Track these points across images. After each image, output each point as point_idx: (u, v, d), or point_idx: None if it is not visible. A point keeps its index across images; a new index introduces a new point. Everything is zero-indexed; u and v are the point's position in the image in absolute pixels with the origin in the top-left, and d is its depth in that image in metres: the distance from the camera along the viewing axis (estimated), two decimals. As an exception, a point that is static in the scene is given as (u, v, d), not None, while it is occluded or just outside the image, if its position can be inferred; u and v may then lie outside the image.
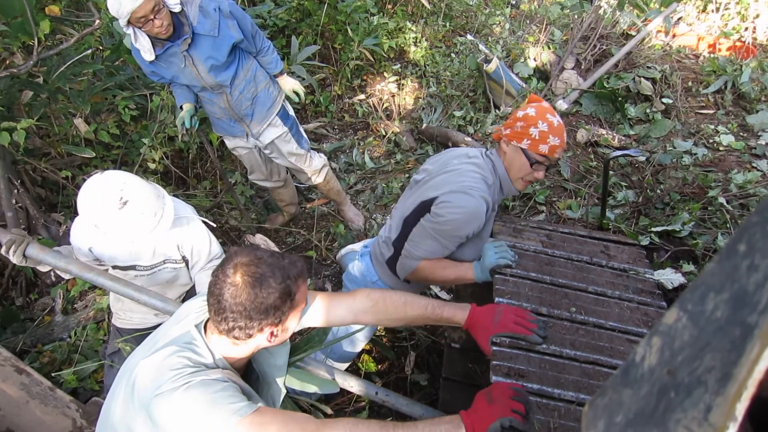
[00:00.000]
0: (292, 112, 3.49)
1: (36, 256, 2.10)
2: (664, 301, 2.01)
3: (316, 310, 1.71)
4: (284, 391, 1.64)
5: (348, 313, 1.74)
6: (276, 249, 3.76)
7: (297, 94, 3.42)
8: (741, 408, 0.53)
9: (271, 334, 1.42)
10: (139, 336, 2.20)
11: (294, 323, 1.50)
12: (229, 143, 3.53)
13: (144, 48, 2.81)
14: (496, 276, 1.99)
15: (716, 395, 0.54)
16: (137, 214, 1.95)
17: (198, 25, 2.83)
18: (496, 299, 1.87)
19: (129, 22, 2.64)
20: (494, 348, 1.68)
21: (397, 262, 2.24)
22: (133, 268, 2.26)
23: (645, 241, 2.95)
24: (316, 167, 3.65)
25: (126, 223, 1.94)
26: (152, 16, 2.63)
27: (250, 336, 1.39)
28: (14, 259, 2.08)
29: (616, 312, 1.90)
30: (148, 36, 2.77)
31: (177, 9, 2.74)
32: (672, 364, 0.63)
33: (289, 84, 3.40)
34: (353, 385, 1.89)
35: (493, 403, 1.40)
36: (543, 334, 1.69)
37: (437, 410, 1.82)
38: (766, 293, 0.50)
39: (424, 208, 2.07)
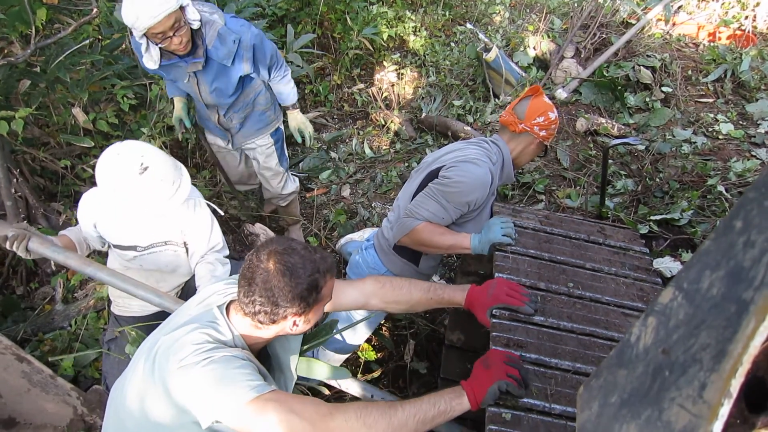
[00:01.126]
0: (282, 129, 3.40)
1: (37, 249, 2.12)
2: (659, 277, 2.05)
3: None
4: (296, 378, 1.69)
5: (359, 295, 1.81)
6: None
7: (302, 134, 3.28)
8: (736, 384, 0.53)
9: (294, 323, 1.47)
10: (139, 325, 2.21)
11: (317, 316, 1.55)
12: (209, 137, 3.43)
13: (151, 56, 2.66)
14: (496, 252, 2.03)
15: (711, 372, 0.55)
16: (157, 180, 1.96)
17: (212, 50, 2.70)
18: (496, 275, 1.91)
19: (144, 35, 2.47)
20: (493, 320, 1.73)
21: (404, 248, 2.26)
22: (133, 248, 2.26)
23: (644, 230, 2.96)
24: (287, 191, 3.56)
25: (145, 189, 1.95)
26: (171, 33, 2.47)
27: (273, 322, 1.43)
28: (19, 252, 2.12)
29: (612, 287, 1.94)
30: (160, 48, 2.62)
31: (196, 26, 2.60)
32: (667, 342, 0.64)
33: (298, 120, 3.28)
34: (349, 388, 1.93)
35: (489, 368, 1.48)
36: (534, 307, 1.75)
37: None
38: (762, 269, 0.50)
39: (432, 176, 2.19)
